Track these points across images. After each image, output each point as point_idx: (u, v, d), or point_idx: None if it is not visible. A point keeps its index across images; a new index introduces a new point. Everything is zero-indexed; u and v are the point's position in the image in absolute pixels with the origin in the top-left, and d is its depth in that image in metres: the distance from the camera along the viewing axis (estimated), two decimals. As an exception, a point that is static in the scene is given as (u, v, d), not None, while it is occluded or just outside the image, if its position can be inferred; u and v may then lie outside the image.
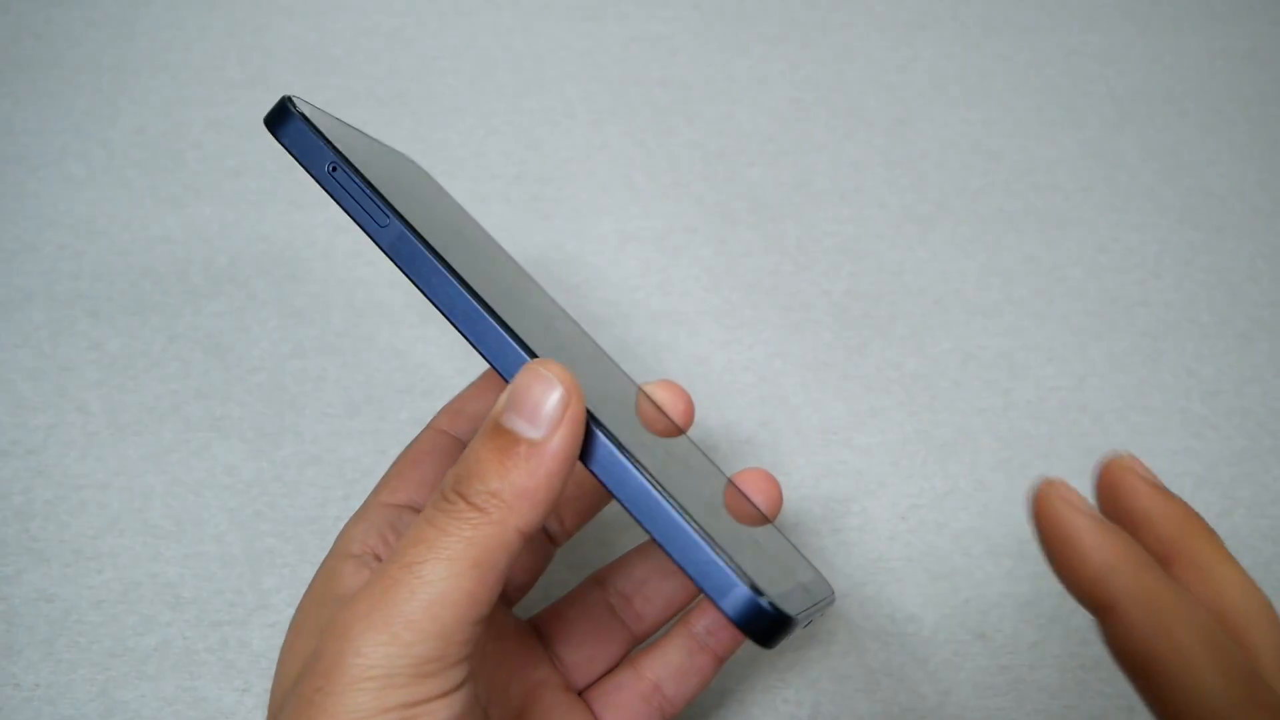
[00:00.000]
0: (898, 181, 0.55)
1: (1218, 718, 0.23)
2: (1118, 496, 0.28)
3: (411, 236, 0.29)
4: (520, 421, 0.26)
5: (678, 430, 0.34)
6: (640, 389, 0.34)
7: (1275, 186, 0.56)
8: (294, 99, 0.30)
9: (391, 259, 0.29)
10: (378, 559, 0.32)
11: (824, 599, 0.32)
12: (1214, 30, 0.62)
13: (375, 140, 0.35)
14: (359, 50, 0.57)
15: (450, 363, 0.48)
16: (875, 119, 0.57)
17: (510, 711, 0.33)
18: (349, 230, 0.51)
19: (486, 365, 0.32)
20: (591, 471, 0.27)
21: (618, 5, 0.60)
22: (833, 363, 0.49)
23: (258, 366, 0.47)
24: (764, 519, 0.35)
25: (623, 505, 0.27)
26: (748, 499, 0.35)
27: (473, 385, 0.37)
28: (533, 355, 0.28)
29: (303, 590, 0.33)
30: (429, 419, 0.36)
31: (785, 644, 0.42)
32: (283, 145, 0.29)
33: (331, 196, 0.29)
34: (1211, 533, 0.28)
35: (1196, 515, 0.28)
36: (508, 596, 0.35)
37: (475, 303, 0.28)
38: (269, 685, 0.39)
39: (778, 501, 0.36)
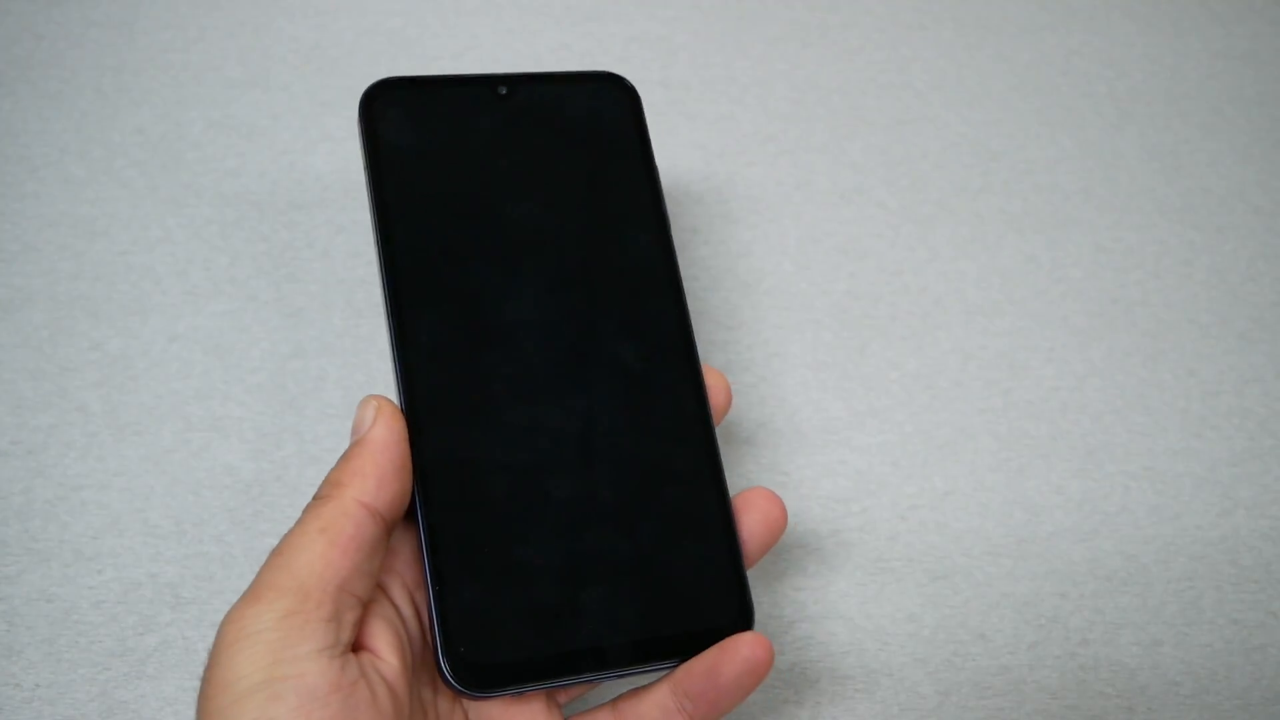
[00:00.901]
0: (898, 181, 0.55)
1: None
2: None
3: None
4: (353, 437, 0.33)
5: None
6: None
7: (1275, 186, 0.56)
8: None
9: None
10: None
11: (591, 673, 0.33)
12: (1214, 30, 0.62)
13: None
14: (359, 50, 0.57)
15: (450, 363, 0.48)
16: (875, 119, 0.57)
17: None
18: (349, 230, 0.51)
19: None
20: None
21: (618, 5, 0.60)
22: (833, 363, 0.49)
23: (258, 366, 0.47)
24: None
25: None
26: None
27: None
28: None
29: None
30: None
31: (785, 644, 0.42)
32: None
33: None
34: None
35: None
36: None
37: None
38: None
39: (780, 522, 0.36)
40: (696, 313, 0.50)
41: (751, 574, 0.37)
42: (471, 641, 0.31)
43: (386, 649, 0.31)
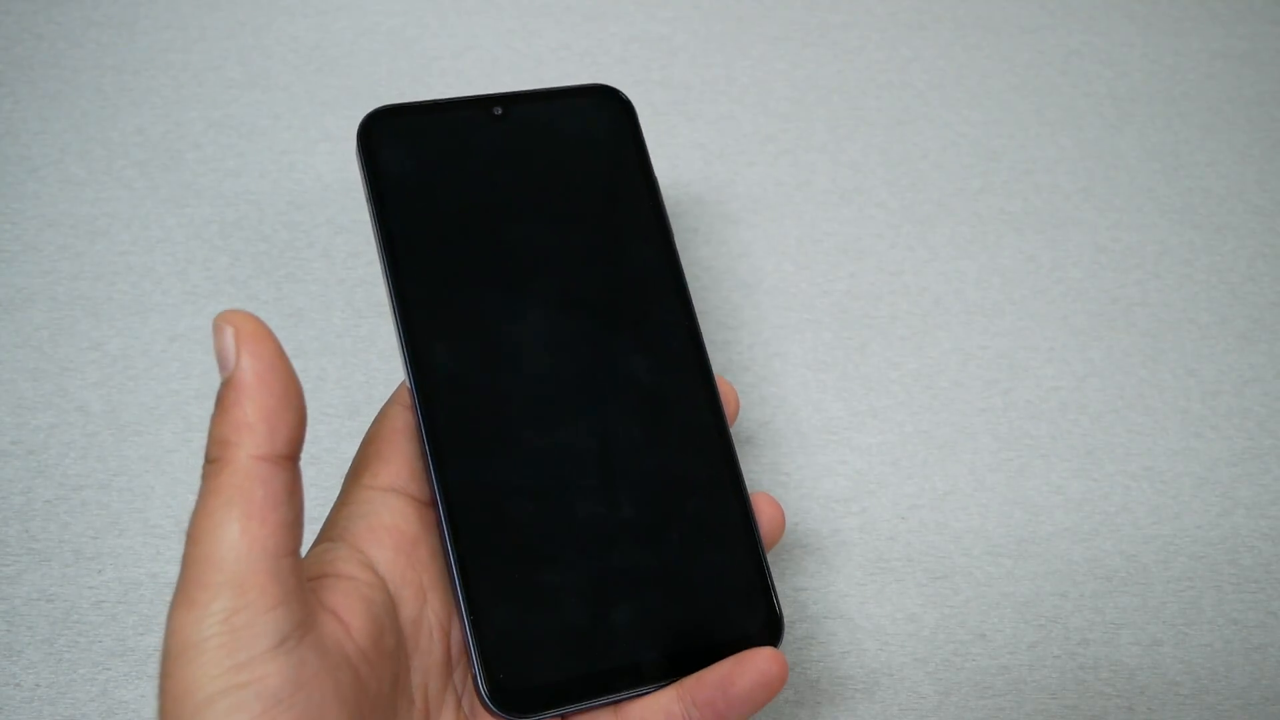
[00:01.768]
0: (898, 181, 0.55)
1: None
2: None
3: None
4: (221, 374, 0.28)
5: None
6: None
7: (1275, 186, 0.56)
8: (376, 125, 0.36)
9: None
10: (359, 549, 0.31)
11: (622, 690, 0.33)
12: (1214, 31, 0.62)
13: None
14: (359, 50, 0.57)
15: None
16: (875, 119, 0.57)
17: None
18: (349, 230, 0.51)
19: None
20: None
21: (618, 5, 0.60)
22: (833, 363, 0.49)
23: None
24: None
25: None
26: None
27: None
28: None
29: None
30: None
31: (785, 644, 0.42)
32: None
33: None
34: None
35: None
36: None
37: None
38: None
39: (779, 528, 0.36)
40: (697, 312, 0.50)
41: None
42: (510, 667, 0.32)
43: (351, 614, 0.29)
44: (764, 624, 0.34)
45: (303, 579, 0.28)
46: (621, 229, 0.37)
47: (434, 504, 0.33)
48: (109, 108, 0.54)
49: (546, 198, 0.37)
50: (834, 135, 0.56)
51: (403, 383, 0.34)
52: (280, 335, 0.48)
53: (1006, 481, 0.46)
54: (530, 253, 0.36)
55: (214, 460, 0.27)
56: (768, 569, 0.35)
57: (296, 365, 0.47)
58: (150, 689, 0.39)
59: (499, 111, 0.37)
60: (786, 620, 0.42)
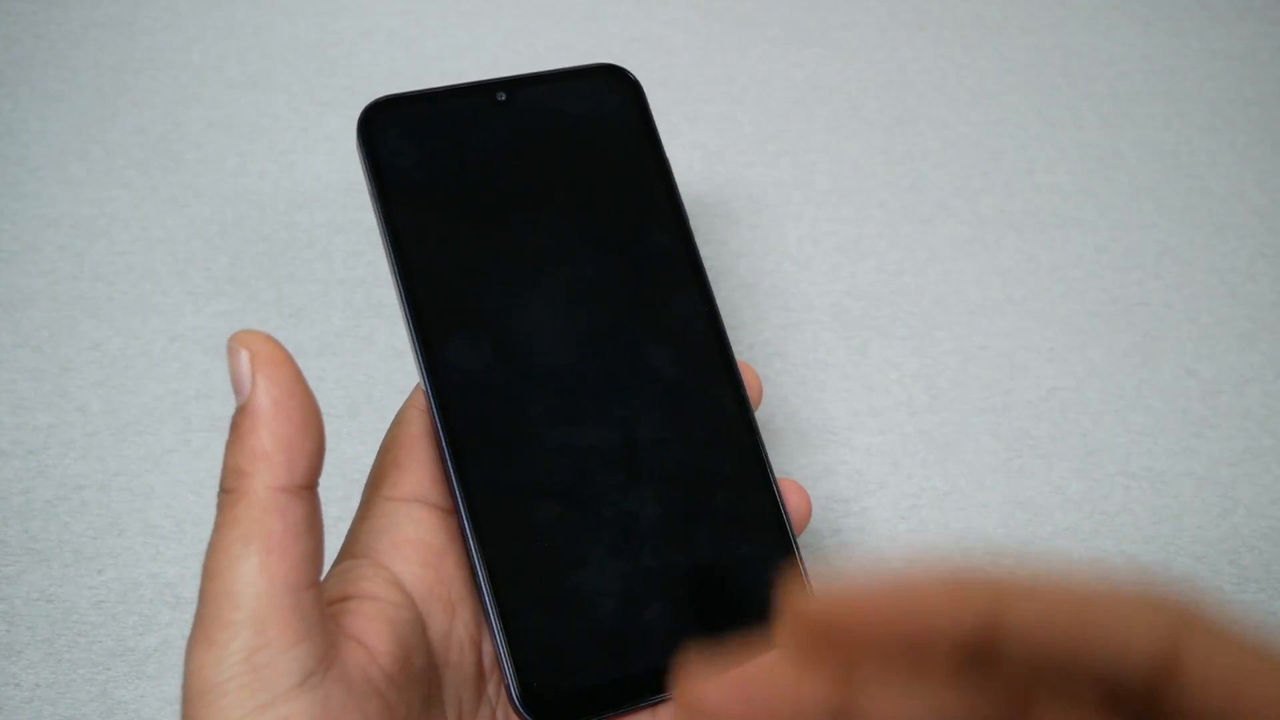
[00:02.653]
0: (898, 181, 0.55)
1: None
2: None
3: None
4: (237, 399, 0.27)
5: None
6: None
7: (1275, 186, 0.56)
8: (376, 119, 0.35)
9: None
10: (383, 566, 0.31)
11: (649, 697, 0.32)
12: (1214, 30, 0.62)
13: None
14: (359, 50, 0.57)
15: (450, 363, 0.48)
16: (875, 119, 0.57)
17: None
18: (349, 230, 0.51)
19: None
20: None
21: (618, 5, 0.60)
22: (833, 363, 0.49)
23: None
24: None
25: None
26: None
27: None
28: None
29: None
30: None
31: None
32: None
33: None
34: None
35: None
36: None
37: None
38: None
39: (805, 514, 0.35)
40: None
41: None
42: (544, 675, 0.31)
43: (376, 639, 0.28)
44: None
45: (324, 610, 0.27)
46: (635, 213, 0.36)
47: (455, 509, 0.32)
48: (109, 108, 0.54)
49: (556, 184, 0.35)
50: (834, 135, 0.56)
51: (417, 385, 0.33)
52: (280, 335, 0.48)
53: (1006, 481, 0.46)
54: (542, 242, 0.34)
55: (229, 491, 0.27)
56: (802, 560, 0.34)
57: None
58: (150, 689, 0.39)
59: (502, 97, 0.36)
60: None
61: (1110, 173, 0.56)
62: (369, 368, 0.47)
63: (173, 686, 0.39)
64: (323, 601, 0.27)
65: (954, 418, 0.48)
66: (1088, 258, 0.53)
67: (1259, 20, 0.63)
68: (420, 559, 0.31)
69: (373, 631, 0.28)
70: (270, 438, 0.26)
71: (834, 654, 0.19)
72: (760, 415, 0.47)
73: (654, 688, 0.31)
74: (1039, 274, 0.52)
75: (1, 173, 0.52)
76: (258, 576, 0.26)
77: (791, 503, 0.34)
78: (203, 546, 0.42)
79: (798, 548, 0.34)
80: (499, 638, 0.31)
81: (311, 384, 0.47)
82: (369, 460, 0.45)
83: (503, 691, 0.32)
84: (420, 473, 0.32)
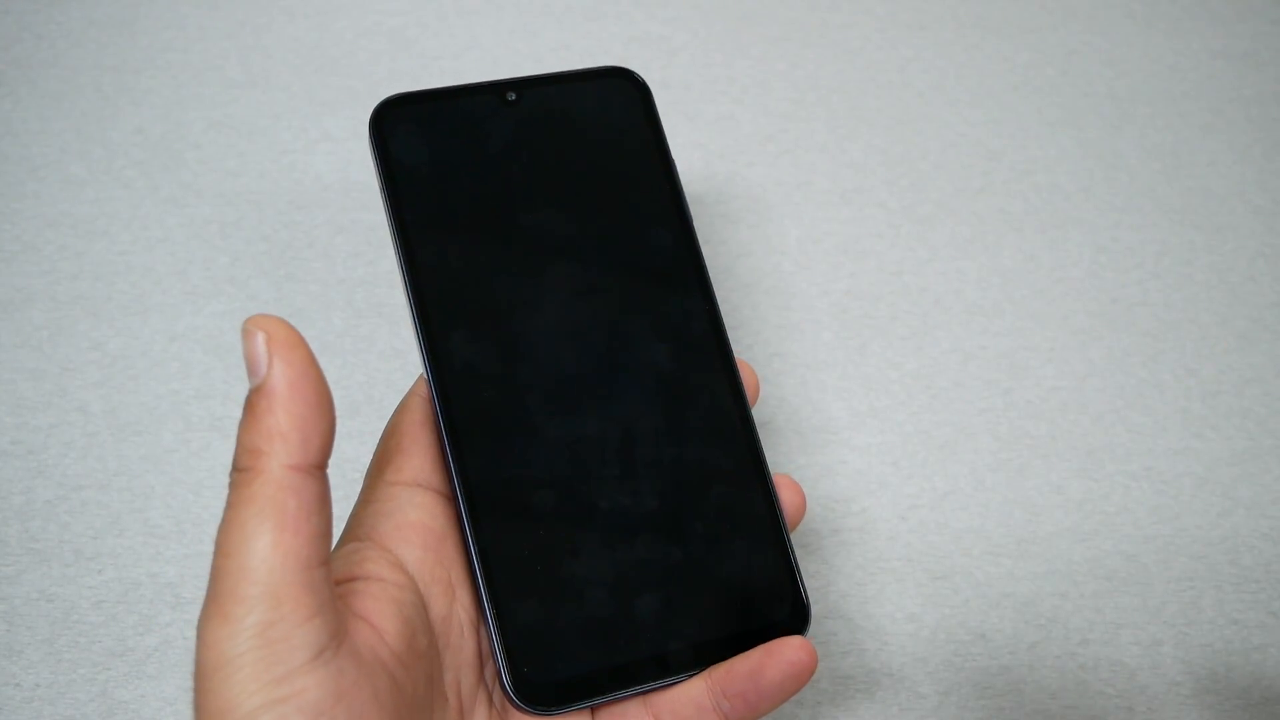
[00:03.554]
0: (898, 181, 0.55)
1: None
2: None
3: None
4: (251, 380, 0.27)
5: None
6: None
7: (1275, 186, 0.56)
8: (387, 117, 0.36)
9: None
10: (387, 549, 0.31)
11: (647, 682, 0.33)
12: (1214, 30, 0.62)
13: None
14: (359, 50, 0.57)
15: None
16: (875, 119, 0.57)
17: None
18: (349, 230, 0.51)
19: None
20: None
21: (618, 5, 0.60)
22: (833, 363, 0.49)
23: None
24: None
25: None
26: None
27: None
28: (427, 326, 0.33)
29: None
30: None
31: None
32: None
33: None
34: None
35: None
36: None
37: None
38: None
39: (799, 510, 0.35)
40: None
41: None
42: (535, 661, 0.31)
43: (383, 618, 0.29)
44: (791, 611, 0.34)
45: (333, 588, 0.28)
46: (640, 214, 0.36)
47: (454, 497, 0.32)
48: (109, 108, 0.54)
49: (563, 183, 0.36)
50: (834, 135, 0.56)
51: (420, 375, 0.34)
52: (280, 335, 0.48)
53: (1006, 481, 0.46)
54: (547, 240, 0.35)
55: (245, 469, 0.27)
56: (794, 556, 0.34)
57: (296, 365, 0.47)
58: (150, 689, 0.39)
59: (512, 97, 0.36)
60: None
61: (1110, 173, 0.56)
62: (369, 368, 0.47)
63: (173, 686, 0.39)
64: (331, 580, 0.27)
65: (954, 418, 0.48)
66: (1088, 258, 0.53)
67: (1259, 20, 0.63)
68: (422, 542, 0.31)
69: (379, 612, 0.29)
70: (286, 417, 0.27)
71: None
72: (760, 415, 0.47)
73: (645, 676, 0.32)
74: (1039, 274, 0.52)
75: (1, 173, 0.52)
76: (272, 552, 0.26)
77: (785, 498, 0.35)
78: (202, 546, 0.42)
79: (790, 542, 0.34)
80: (492, 624, 0.31)
81: (311, 384, 0.47)
82: (369, 460, 0.45)
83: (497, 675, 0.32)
84: (422, 458, 0.33)
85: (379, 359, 0.48)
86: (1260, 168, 0.57)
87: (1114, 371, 0.50)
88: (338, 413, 0.46)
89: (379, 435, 0.45)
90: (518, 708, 0.31)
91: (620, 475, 0.34)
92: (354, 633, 0.28)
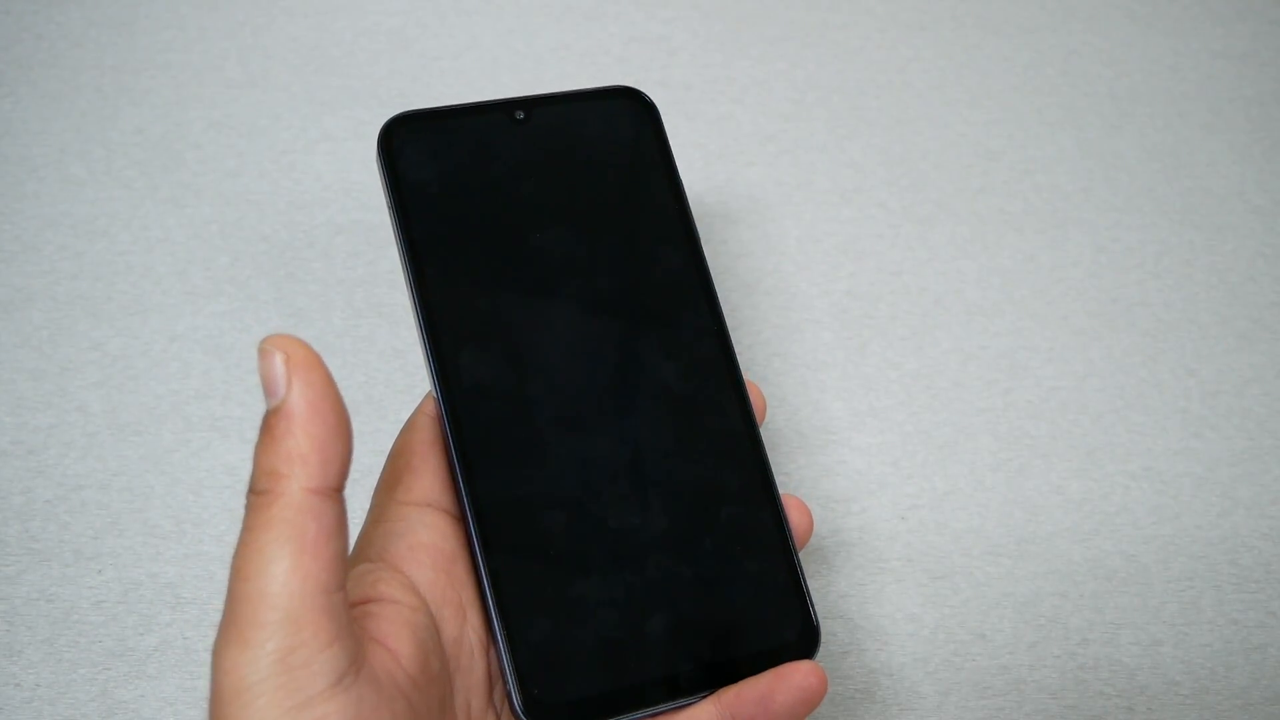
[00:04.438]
0: (898, 181, 0.55)
1: None
2: None
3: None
4: (269, 401, 0.27)
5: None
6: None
7: (1275, 186, 0.56)
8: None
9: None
10: (399, 570, 0.31)
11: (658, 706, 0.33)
12: (1214, 30, 0.62)
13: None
14: (359, 50, 0.57)
15: (450, 363, 0.48)
16: (875, 119, 0.57)
17: None
18: (349, 230, 0.51)
19: None
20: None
21: (618, 5, 0.60)
22: (833, 363, 0.49)
23: (258, 367, 0.47)
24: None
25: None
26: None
27: None
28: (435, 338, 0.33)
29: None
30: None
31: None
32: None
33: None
34: None
35: None
36: None
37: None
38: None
39: (807, 532, 0.35)
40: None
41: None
42: (544, 682, 0.31)
43: (398, 641, 0.29)
44: (800, 633, 0.33)
45: (350, 612, 0.27)
46: (648, 233, 0.36)
47: (462, 517, 0.32)
48: (109, 108, 0.54)
49: (571, 202, 0.36)
50: (834, 135, 0.56)
51: (428, 393, 0.34)
52: (280, 335, 0.48)
53: (1006, 481, 0.46)
54: (556, 259, 0.35)
55: (263, 492, 0.26)
56: (803, 577, 0.34)
57: (296, 365, 0.47)
58: (150, 689, 0.39)
59: (521, 115, 0.36)
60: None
61: (1110, 173, 0.56)
62: (369, 368, 0.47)
63: (173, 686, 0.39)
64: (348, 604, 0.27)
65: (954, 418, 0.48)
66: (1087, 258, 0.53)
67: (1259, 20, 0.63)
68: (433, 564, 0.31)
69: (395, 635, 0.29)
70: (306, 440, 0.26)
71: None
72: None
73: (654, 698, 0.32)
74: (1039, 274, 0.52)
75: (1, 173, 0.52)
76: (291, 577, 0.26)
77: (793, 519, 0.35)
78: (202, 546, 0.42)
79: (799, 564, 0.34)
80: (502, 645, 0.31)
81: (311, 384, 0.47)
82: (369, 460, 0.45)
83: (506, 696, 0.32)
84: (432, 478, 0.33)
85: (379, 359, 0.48)
86: (1260, 168, 0.57)
87: (1114, 371, 0.50)
88: (338, 413, 0.46)
89: (378, 434, 0.45)
90: None
91: (629, 496, 0.33)
92: (371, 657, 0.28)
